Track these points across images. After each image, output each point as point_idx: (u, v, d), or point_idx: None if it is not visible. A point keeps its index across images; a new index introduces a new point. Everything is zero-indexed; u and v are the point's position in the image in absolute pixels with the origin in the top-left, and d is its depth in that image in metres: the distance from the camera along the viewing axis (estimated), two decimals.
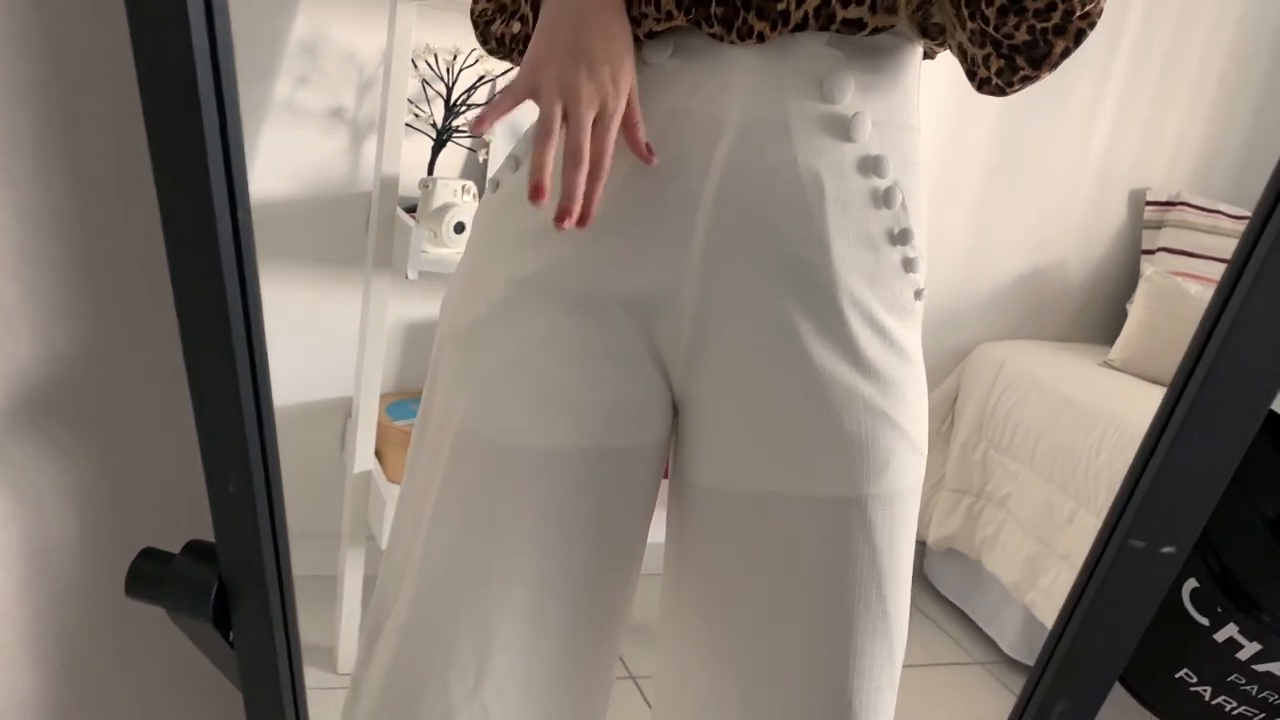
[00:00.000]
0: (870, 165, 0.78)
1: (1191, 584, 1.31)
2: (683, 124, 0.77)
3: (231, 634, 0.67)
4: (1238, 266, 0.46)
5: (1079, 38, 0.71)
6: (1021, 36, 0.71)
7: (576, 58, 0.70)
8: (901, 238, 0.79)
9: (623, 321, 0.79)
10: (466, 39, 1.83)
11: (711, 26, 0.76)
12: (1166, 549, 0.49)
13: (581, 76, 0.70)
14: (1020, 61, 0.73)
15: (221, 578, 0.64)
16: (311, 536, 1.93)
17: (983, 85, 0.78)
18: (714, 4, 0.75)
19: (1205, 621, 1.30)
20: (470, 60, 1.81)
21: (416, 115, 1.81)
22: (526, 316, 0.80)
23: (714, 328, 0.78)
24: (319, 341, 1.90)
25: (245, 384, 0.57)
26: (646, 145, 0.75)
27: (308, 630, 1.85)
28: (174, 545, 0.69)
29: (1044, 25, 0.70)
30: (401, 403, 1.90)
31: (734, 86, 0.77)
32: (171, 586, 0.65)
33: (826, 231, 0.76)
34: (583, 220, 0.71)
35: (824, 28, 0.75)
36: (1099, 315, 2.41)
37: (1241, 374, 0.46)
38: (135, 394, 0.73)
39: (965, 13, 0.73)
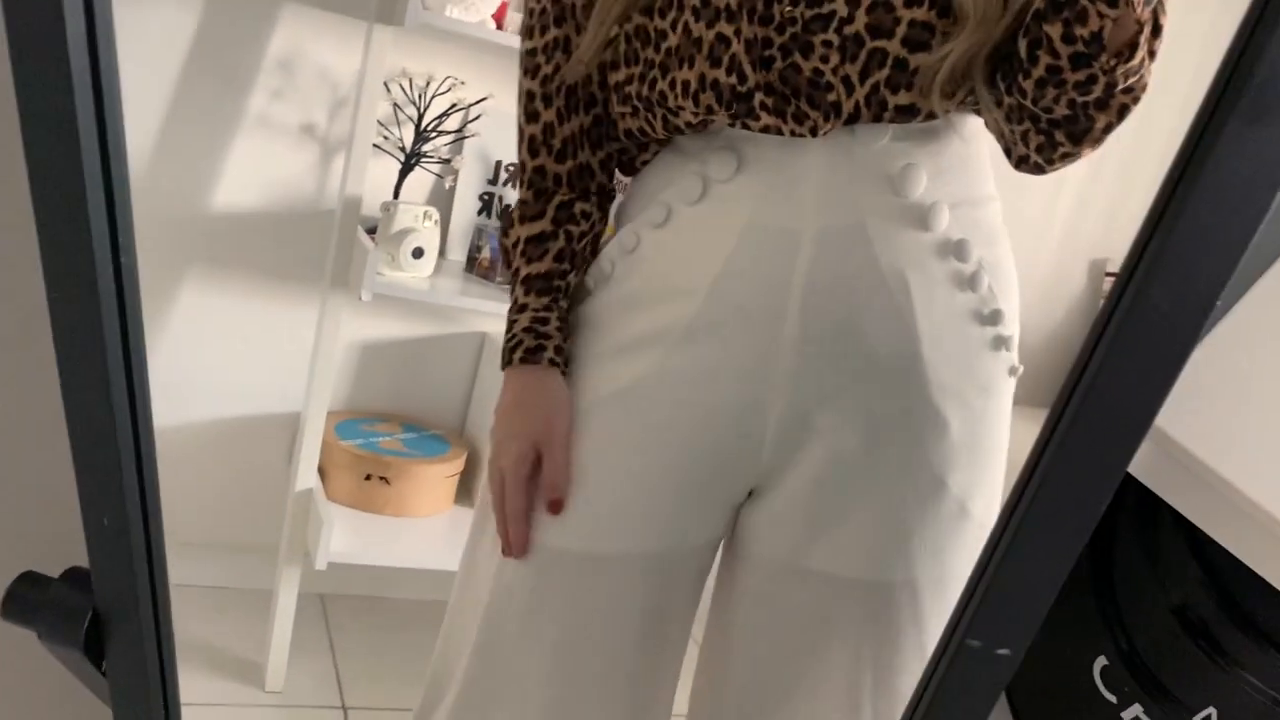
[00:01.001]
0: (951, 250, 0.77)
1: (1102, 661, 1.32)
2: (759, 239, 0.77)
3: (104, 664, 0.67)
4: (1063, 399, 0.47)
5: (1122, 113, 0.69)
6: (1061, 110, 0.69)
7: (497, 449, 0.84)
8: (992, 319, 0.79)
9: (699, 437, 0.80)
10: (441, 66, 1.85)
11: (757, 120, 0.75)
12: (1002, 650, 0.50)
13: (494, 467, 0.84)
14: (1060, 137, 0.71)
15: (96, 608, 0.65)
16: (250, 549, 1.93)
17: (1021, 163, 0.76)
18: (760, 94, 0.74)
19: (1113, 699, 1.31)
20: (443, 88, 1.83)
21: (385, 138, 1.82)
22: (601, 428, 0.82)
23: (798, 432, 0.78)
24: (274, 355, 1.90)
25: (124, 423, 0.57)
26: (552, 502, 0.82)
27: (238, 644, 1.84)
28: (58, 570, 0.69)
29: (1085, 99, 0.67)
30: (350, 422, 1.90)
31: (805, 195, 0.76)
32: (46, 612, 0.65)
33: (915, 324, 0.76)
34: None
35: (878, 118, 0.74)
36: (1053, 381, 2.43)
37: (1069, 488, 0.47)
38: (23, 415, 0.73)
39: (1001, 87, 0.71)
